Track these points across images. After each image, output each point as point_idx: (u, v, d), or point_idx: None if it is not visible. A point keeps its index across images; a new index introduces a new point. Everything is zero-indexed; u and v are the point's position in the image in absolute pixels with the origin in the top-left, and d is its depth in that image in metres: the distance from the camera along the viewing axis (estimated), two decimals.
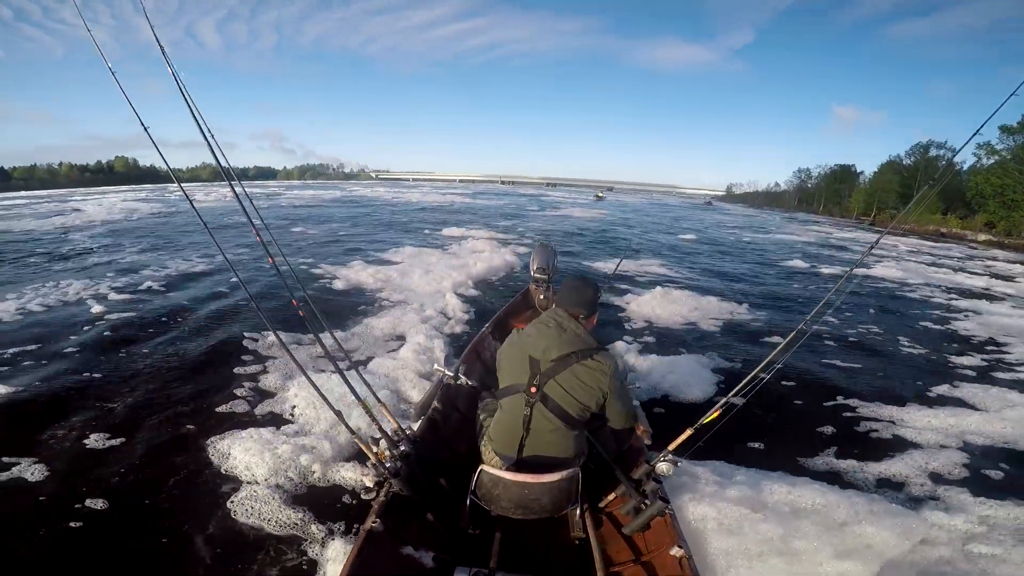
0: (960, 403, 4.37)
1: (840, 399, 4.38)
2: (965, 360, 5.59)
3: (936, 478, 3.13)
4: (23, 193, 48.85)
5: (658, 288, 8.38)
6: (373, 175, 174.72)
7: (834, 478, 3.10)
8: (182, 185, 2.55)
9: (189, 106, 2.45)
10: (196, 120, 2.45)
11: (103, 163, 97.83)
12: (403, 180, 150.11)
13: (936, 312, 8.28)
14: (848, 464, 3.29)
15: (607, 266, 10.86)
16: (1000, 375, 5.16)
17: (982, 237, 33.99)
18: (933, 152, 51.05)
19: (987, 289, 11.43)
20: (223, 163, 2.58)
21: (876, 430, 3.81)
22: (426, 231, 16.25)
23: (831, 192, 67.12)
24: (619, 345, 5.42)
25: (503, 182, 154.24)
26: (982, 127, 2.36)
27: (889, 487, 3.06)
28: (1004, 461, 3.38)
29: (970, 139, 2.41)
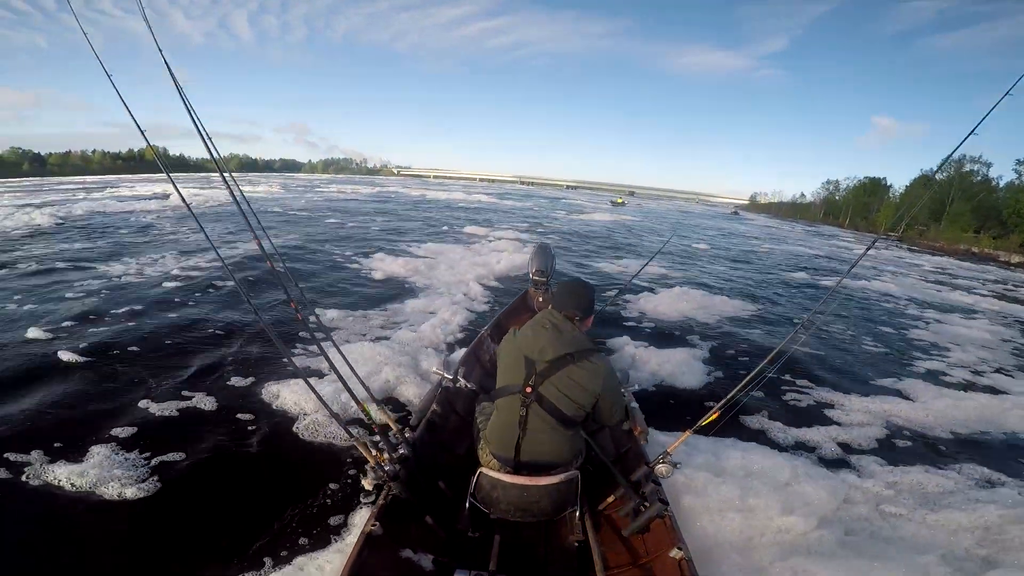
0: (895, 394, 5.02)
1: (796, 383, 4.93)
2: (911, 361, 6.36)
3: (861, 451, 3.74)
4: (76, 179, 49.05)
5: (676, 288, 8.82)
6: (395, 171, 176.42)
7: (779, 448, 3.60)
8: (171, 177, 2.46)
9: (181, 95, 2.40)
10: (186, 105, 2.40)
11: (134, 151, 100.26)
12: (424, 177, 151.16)
13: (904, 321, 8.95)
14: (791, 437, 3.83)
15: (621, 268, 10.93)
16: (935, 374, 5.91)
17: (1015, 259, 32.35)
18: (968, 167, 49.35)
19: (972, 305, 11.65)
20: (214, 153, 2.52)
21: (818, 410, 4.40)
22: (445, 228, 16.86)
23: (859, 205, 65.47)
24: (627, 347, 5.47)
25: (523, 182, 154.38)
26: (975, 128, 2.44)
27: (825, 457, 3.60)
28: (917, 441, 4.03)
29: (963, 140, 2.46)
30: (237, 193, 2.56)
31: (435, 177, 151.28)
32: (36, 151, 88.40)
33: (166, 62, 2.35)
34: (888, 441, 3.93)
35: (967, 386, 5.50)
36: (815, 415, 4.30)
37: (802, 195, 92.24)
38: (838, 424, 4.14)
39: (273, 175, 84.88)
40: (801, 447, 3.69)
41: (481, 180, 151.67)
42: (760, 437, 3.74)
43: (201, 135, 2.45)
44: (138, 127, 2.28)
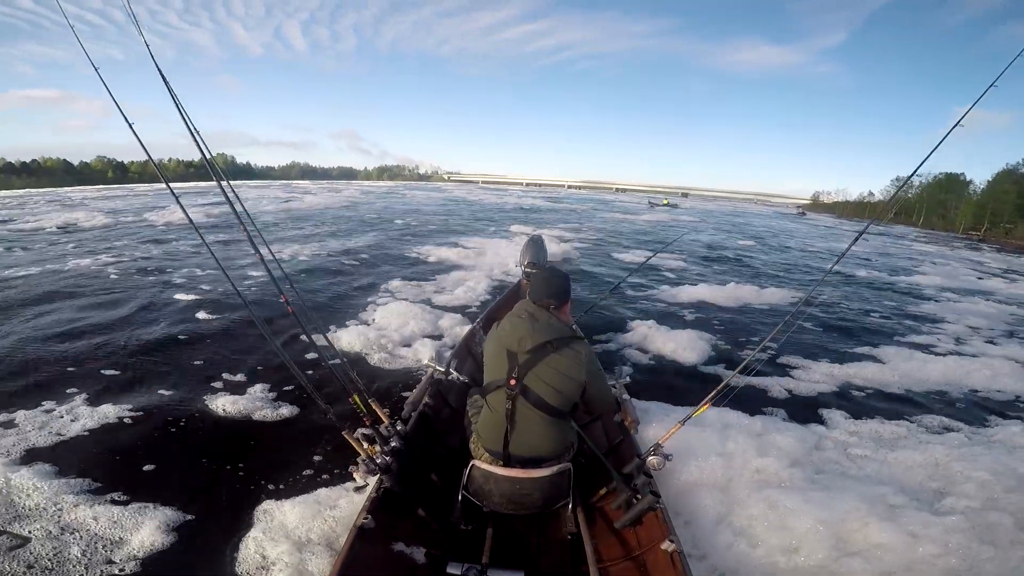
0: (871, 359, 5.49)
1: (782, 359, 5.22)
2: (900, 333, 6.78)
3: (831, 406, 4.16)
4: (177, 185, 53.07)
5: (702, 279, 9.40)
6: (446, 177, 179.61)
7: (753, 405, 3.96)
8: (170, 186, 2.53)
9: (175, 101, 2.47)
10: (180, 113, 2.47)
11: (206, 159, 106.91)
12: (472, 182, 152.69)
13: (918, 300, 9.43)
14: (770, 402, 4.20)
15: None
16: (917, 340, 6.43)
17: None
18: None
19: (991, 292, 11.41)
20: (207, 155, 2.58)
21: (794, 377, 4.80)
22: (492, 228, 17.89)
23: (934, 203, 60.72)
24: (640, 329, 5.84)
25: (570, 187, 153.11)
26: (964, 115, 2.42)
27: (796, 413, 4.01)
28: (878, 393, 4.60)
29: (948, 134, 2.42)
30: (231, 195, 2.65)
31: (483, 183, 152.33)
32: (119, 160, 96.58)
33: (156, 64, 2.43)
34: (855, 398, 4.44)
35: (943, 351, 5.94)
36: (792, 381, 4.67)
37: (869, 193, 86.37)
38: (812, 386, 4.59)
39: (353, 183, 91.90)
40: (777, 408, 4.06)
41: (528, 185, 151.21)
42: (743, 407, 3.85)
43: (195, 138, 2.51)
44: (131, 128, 2.35)
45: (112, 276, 7.75)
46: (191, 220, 2.60)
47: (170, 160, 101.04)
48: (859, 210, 78.45)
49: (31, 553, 2.21)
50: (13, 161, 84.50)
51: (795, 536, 2.40)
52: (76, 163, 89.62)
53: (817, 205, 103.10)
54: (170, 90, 2.43)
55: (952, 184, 61.18)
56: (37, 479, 2.67)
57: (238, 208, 2.63)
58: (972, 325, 7.35)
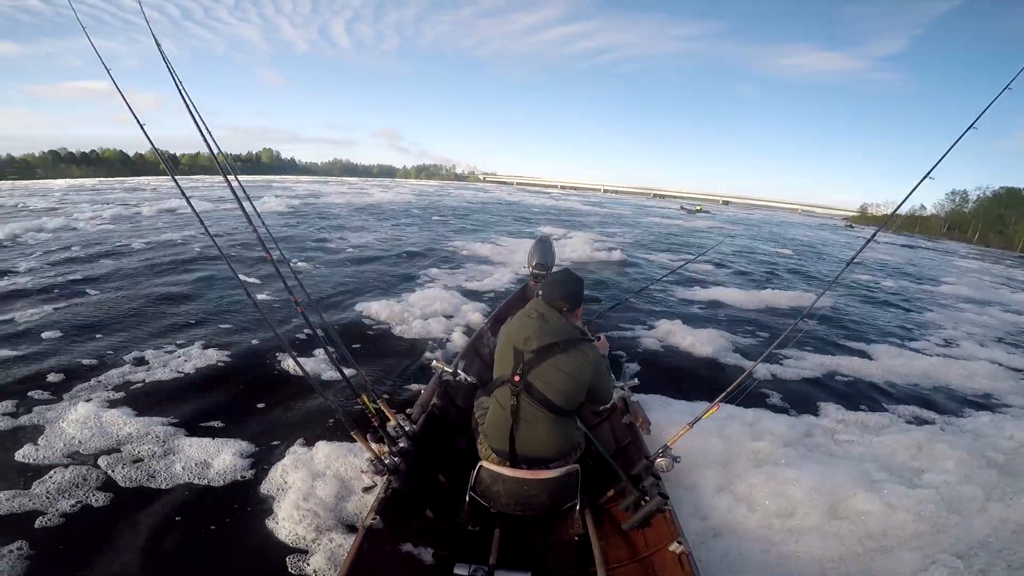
0: (862, 353, 5.98)
1: (784, 357, 5.45)
2: (898, 336, 7.18)
3: (822, 395, 4.52)
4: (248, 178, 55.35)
5: (734, 283, 9.59)
6: (482, 177, 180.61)
7: (755, 399, 4.10)
8: (176, 178, 2.52)
9: (186, 101, 2.46)
10: (190, 109, 2.46)
11: (252, 153, 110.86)
12: (508, 184, 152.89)
13: (924, 306, 9.86)
14: (767, 389, 4.49)
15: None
16: (910, 343, 6.82)
17: None
18: None
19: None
20: (215, 151, 2.60)
21: (786, 364, 5.20)
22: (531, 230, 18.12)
23: (992, 219, 57.34)
24: (663, 326, 6.06)
25: (606, 190, 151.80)
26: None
27: (789, 401, 4.31)
28: (865, 388, 4.92)
29: (962, 135, 2.40)
30: (240, 194, 2.64)
31: (518, 184, 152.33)
32: (171, 152, 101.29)
33: (165, 58, 2.44)
34: (846, 391, 4.75)
35: (929, 352, 6.38)
36: (792, 374, 4.98)
37: (921, 207, 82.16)
38: (810, 382, 4.89)
39: (400, 182, 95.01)
40: (774, 399, 4.31)
41: (563, 187, 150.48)
42: (745, 400, 3.96)
43: (202, 134, 2.52)
44: (137, 120, 2.34)
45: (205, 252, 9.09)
46: (197, 214, 2.58)
47: (219, 154, 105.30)
48: (909, 224, 74.77)
49: (147, 467, 2.77)
50: (74, 151, 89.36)
51: (790, 503, 2.64)
52: (131, 154, 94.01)
53: (865, 217, 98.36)
54: (180, 88, 2.42)
55: (1013, 199, 57.71)
56: (151, 408, 3.38)
57: (248, 209, 2.62)
58: (968, 332, 7.80)
